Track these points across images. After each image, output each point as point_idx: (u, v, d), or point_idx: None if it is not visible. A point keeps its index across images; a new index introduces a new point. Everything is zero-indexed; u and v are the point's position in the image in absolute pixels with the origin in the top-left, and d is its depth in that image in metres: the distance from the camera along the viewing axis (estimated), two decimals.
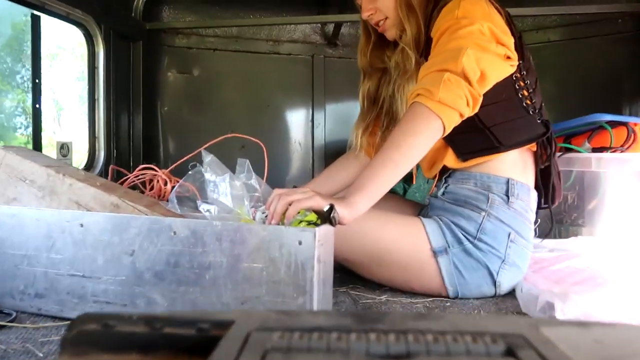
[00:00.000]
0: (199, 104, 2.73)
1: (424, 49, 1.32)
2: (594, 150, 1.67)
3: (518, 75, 1.26)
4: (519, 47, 1.25)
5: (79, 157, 2.18)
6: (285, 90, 2.86)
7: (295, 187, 1.57)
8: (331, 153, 2.89)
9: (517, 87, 1.27)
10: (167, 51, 2.64)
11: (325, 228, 0.95)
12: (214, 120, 2.74)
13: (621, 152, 1.62)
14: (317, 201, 1.00)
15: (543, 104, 1.34)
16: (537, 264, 1.38)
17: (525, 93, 1.28)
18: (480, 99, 1.12)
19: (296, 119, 2.89)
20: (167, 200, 1.12)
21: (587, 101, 2.43)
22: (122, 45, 2.31)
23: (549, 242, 1.59)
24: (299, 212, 1.00)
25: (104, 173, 2.13)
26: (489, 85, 1.15)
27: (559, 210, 1.81)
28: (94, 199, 1.04)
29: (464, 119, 1.12)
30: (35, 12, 1.77)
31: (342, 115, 2.86)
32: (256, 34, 2.78)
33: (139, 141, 2.43)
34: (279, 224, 1.01)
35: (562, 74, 2.51)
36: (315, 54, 2.84)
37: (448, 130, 1.10)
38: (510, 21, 1.27)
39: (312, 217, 1.00)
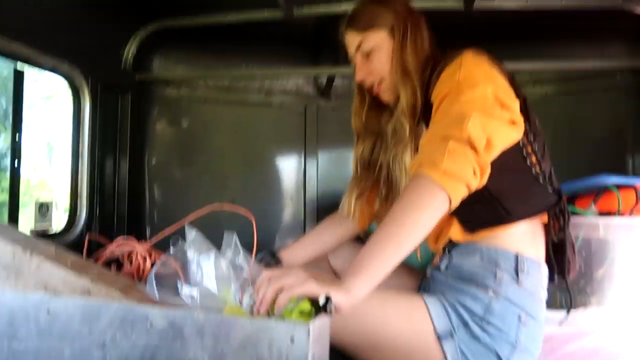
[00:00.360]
0: (188, 156, 2.66)
1: (421, 115, 1.26)
2: (601, 214, 1.60)
3: (525, 140, 1.19)
4: (524, 109, 1.18)
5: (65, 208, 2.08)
6: (277, 142, 2.80)
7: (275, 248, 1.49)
8: (323, 206, 2.81)
9: (525, 153, 1.19)
10: (156, 102, 2.58)
11: (320, 321, 0.85)
12: (204, 172, 2.66)
13: (630, 216, 1.55)
14: (311, 287, 0.90)
15: (553, 170, 1.26)
16: (547, 343, 1.28)
17: (534, 160, 1.20)
18: (488, 169, 1.04)
19: (288, 172, 2.82)
20: (146, 282, 1.01)
21: (588, 157, 2.38)
22: (110, 97, 2.24)
23: (558, 314, 1.49)
24: (290, 300, 0.90)
25: (85, 232, 2.02)
26: (495, 154, 1.07)
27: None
28: (63, 282, 0.94)
29: (471, 191, 1.04)
30: (19, 68, 1.71)
31: (335, 168, 2.79)
32: (248, 85, 2.74)
33: (124, 197, 2.32)
34: (268, 313, 0.91)
35: (560, 129, 2.47)
36: (307, 106, 2.80)
37: (455, 205, 1.02)
38: (514, 82, 1.21)
39: (306, 305, 0.90)
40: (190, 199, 2.59)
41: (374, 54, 1.32)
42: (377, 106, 1.44)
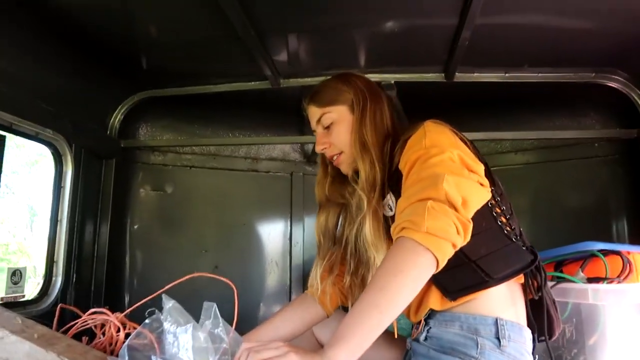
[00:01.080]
0: (171, 222, 2.62)
1: (386, 185, 1.27)
2: (589, 280, 1.57)
3: (493, 201, 1.20)
4: (488, 173, 1.21)
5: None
6: (262, 208, 2.78)
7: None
8: (309, 273, 2.75)
9: (495, 214, 1.20)
10: (141, 168, 2.57)
11: None
12: (187, 239, 2.62)
13: (618, 282, 1.53)
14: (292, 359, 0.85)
15: (522, 230, 1.26)
16: None
17: (504, 220, 1.21)
18: (470, 225, 1.03)
19: (273, 238, 2.78)
20: (118, 355, 0.95)
21: (571, 223, 2.40)
22: (93, 163, 2.23)
23: None
24: None
25: (59, 299, 1.94)
26: (471, 213, 1.06)
27: (557, 345, 1.67)
28: (27, 357, 0.88)
29: (456, 249, 1.02)
30: (1, 132, 1.69)
31: None
32: (234, 151, 2.76)
33: (102, 263, 2.26)
34: None
35: (542, 196, 2.51)
36: (294, 172, 2.81)
37: (442, 265, 0.99)
38: (475, 149, 1.24)
39: None
40: (172, 266, 2.52)
41: (334, 127, 1.36)
42: (340, 178, 1.45)
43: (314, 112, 1.39)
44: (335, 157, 1.38)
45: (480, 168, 1.15)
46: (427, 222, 0.97)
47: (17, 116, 1.72)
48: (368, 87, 1.38)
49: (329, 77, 1.45)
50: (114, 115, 2.38)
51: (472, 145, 1.24)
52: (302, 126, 2.74)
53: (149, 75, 2.24)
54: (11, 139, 1.85)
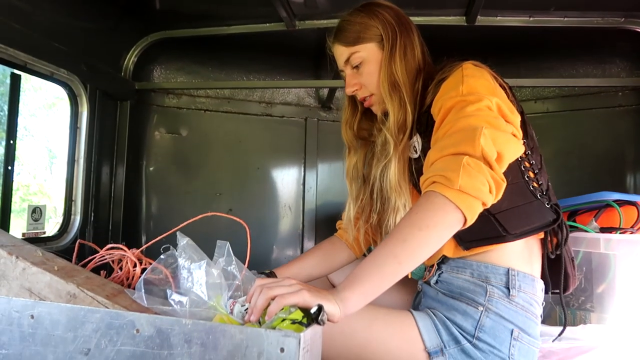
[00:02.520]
0: (186, 165, 2.64)
1: (414, 127, 1.22)
2: (602, 230, 1.57)
3: (523, 155, 1.15)
4: (523, 124, 1.15)
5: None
6: (276, 153, 2.78)
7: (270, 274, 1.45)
8: (322, 218, 2.79)
9: (523, 168, 1.16)
10: (155, 111, 2.57)
11: (312, 330, 0.82)
12: (202, 182, 2.65)
13: (631, 233, 1.53)
14: (304, 297, 0.87)
15: (550, 185, 1.23)
16: (547, 359, 1.25)
17: (532, 175, 1.17)
18: (504, 184, 0.99)
19: (287, 183, 2.80)
20: (135, 288, 0.98)
21: (589, 173, 2.37)
22: (108, 104, 2.23)
23: (555, 330, 1.46)
24: (282, 309, 0.87)
25: (78, 237, 2.00)
26: (504, 167, 1.02)
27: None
28: (48, 287, 0.91)
29: (487, 207, 0.99)
30: (16, 72, 1.69)
31: (334, 180, 2.78)
32: (249, 95, 2.74)
33: (119, 204, 2.31)
34: (259, 322, 0.88)
35: (561, 145, 2.46)
36: (308, 117, 2.79)
37: (470, 222, 0.96)
38: (514, 96, 1.19)
39: (298, 314, 0.87)
40: (187, 208, 2.57)
41: (364, 66, 1.28)
42: (369, 116, 1.41)
43: (341, 52, 1.31)
44: (367, 99, 1.31)
45: (517, 119, 1.10)
46: (461, 180, 0.93)
47: (31, 55, 1.71)
48: (397, 18, 1.29)
49: (351, 11, 1.34)
50: (128, 56, 2.36)
51: (511, 92, 1.18)
52: (318, 70, 2.70)
53: (162, 16, 2.20)
54: (28, 81, 1.85)
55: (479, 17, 2.03)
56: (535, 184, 1.17)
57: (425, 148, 1.15)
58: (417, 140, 1.21)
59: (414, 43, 1.28)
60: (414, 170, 1.22)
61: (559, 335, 1.27)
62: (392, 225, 1.26)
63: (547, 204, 1.16)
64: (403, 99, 1.22)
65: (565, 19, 2.03)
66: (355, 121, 1.42)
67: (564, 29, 2.06)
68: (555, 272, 1.19)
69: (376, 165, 1.34)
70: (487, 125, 1.00)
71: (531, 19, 2.05)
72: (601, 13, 2.01)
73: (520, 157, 1.14)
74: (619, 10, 2.00)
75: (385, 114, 1.29)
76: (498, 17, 2.06)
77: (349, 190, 1.45)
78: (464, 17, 2.07)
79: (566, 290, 1.22)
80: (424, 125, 1.19)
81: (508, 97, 1.15)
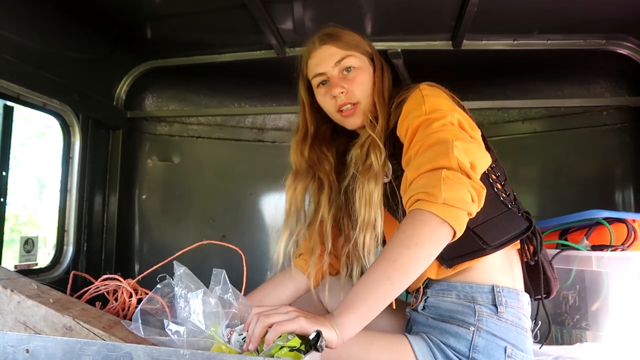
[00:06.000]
0: (179, 192, 2.64)
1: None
2: (593, 247, 1.59)
3: (490, 168, 1.18)
4: (483, 138, 1.18)
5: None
6: (269, 178, 2.78)
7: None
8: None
9: (491, 180, 1.19)
10: (148, 138, 2.58)
11: (310, 357, 0.82)
12: (195, 209, 2.65)
13: (622, 250, 1.55)
14: (301, 324, 0.87)
15: (516, 196, 1.26)
16: None
17: (500, 186, 1.20)
18: (484, 191, 1.01)
19: (280, 207, 2.78)
20: (131, 319, 0.98)
21: (577, 191, 2.40)
22: (100, 134, 2.24)
23: (553, 349, 1.46)
24: (280, 336, 0.87)
25: (71, 269, 1.98)
26: (479, 176, 1.04)
27: (560, 311, 1.70)
28: (44, 320, 0.91)
29: (472, 217, 1.01)
30: (9, 103, 1.70)
31: None
32: (240, 122, 2.76)
33: (112, 233, 2.30)
34: (257, 350, 0.88)
35: (550, 164, 2.50)
36: None
37: (459, 235, 0.98)
38: (469, 114, 1.22)
39: (295, 341, 0.87)
40: (180, 236, 2.56)
41: (357, 73, 1.30)
42: (321, 139, 1.41)
43: (332, 52, 1.31)
44: (348, 107, 1.30)
45: (478, 133, 1.14)
46: (444, 193, 0.95)
47: (24, 87, 1.73)
48: (376, 51, 1.39)
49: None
50: (120, 85, 2.38)
51: (466, 110, 1.22)
52: None
53: (154, 45, 2.22)
54: (18, 110, 1.86)
55: (464, 41, 2.08)
56: (504, 195, 1.20)
57: (396, 170, 1.19)
58: (387, 164, 1.23)
59: (389, 71, 1.37)
60: (388, 193, 1.23)
61: (543, 343, 1.29)
62: (362, 244, 1.24)
63: (519, 213, 1.19)
64: (387, 115, 1.26)
65: (549, 41, 2.09)
66: (307, 145, 1.39)
67: (548, 51, 2.12)
68: (536, 278, 1.21)
69: (344, 183, 1.35)
70: (456, 137, 1.04)
71: (515, 42, 2.10)
72: (583, 35, 2.07)
73: (487, 169, 1.16)
74: (600, 32, 2.05)
75: (359, 130, 1.32)
76: (483, 41, 2.11)
77: (296, 219, 1.41)
78: (450, 42, 2.11)
79: (550, 295, 1.25)
80: (391, 148, 1.22)
81: (466, 113, 1.19)
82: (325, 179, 1.39)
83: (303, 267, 1.45)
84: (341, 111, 1.32)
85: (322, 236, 1.40)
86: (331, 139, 1.44)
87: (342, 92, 1.30)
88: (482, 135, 1.18)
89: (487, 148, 1.18)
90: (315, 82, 1.37)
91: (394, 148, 1.21)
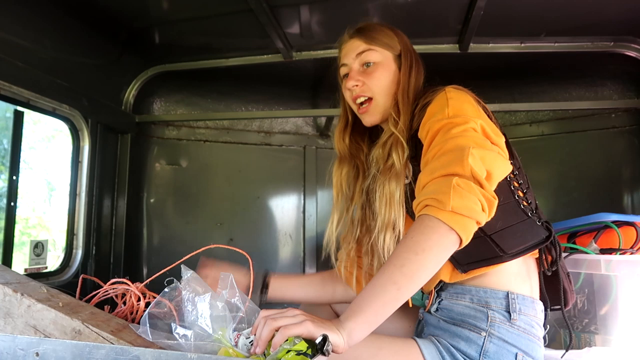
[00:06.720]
0: (187, 196, 2.66)
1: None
2: (602, 251, 1.58)
3: (512, 175, 1.18)
4: (507, 145, 1.18)
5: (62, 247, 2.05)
6: (276, 182, 2.80)
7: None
8: (323, 245, 2.78)
9: (513, 187, 1.18)
10: (156, 142, 2.60)
11: None
12: (202, 212, 2.66)
13: (631, 254, 1.53)
14: (308, 328, 0.87)
15: (538, 204, 1.25)
16: None
17: (521, 194, 1.19)
18: (496, 202, 1.01)
19: (287, 211, 2.81)
20: (139, 322, 0.99)
21: (585, 195, 2.39)
22: (109, 138, 2.26)
23: (561, 353, 1.45)
24: (287, 340, 0.88)
25: (80, 272, 1.99)
26: (494, 186, 1.04)
27: (569, 314, 1.69)
28: (53, 324, 0.92)
29: (481, 226, 1.01)
30: (19, 108, 1.72)
31: None
32: (248, 125, 2.77)
33: (121, 237, 2.31)
34: (264, 353, 0.89)
35: (558, 167, 2.49)
36: (307, 145, 2.82)
37: (465, 243, 0.98)
38: (495, 119, 1.22)
39: (302, 345, 0.87)
40: (188, 239, 2.57)
41: (376, 68, 1.32)
42: (358, 130, 1.43)
43: (356, 45, 1.34)
44: (362, 99, 1.33)
45: (502, 140, 1.12)
46: (452, 201, 0.95)
47: (34, 92, 1.74)
48: (413, 49, 1.37)
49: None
50: (128, 90, 2.40)
51: (492, 115, 1.21)
52: (315, 99, 2.74)
53: (162, 50, 2.24)
54: (28, 114, 1.88)
55: (471, 44, 2.08)
56: (525, 203, 1.19)
57: (416, 172, 1.18)
58: (408, 166, 1.23)
59: (420, 70, 1.35)
60: (408, 194, 1.23)
61: (566, 351, 1.27)
62: (382, 244, 1.24)
63: (539, 222, 1.18)
64: (409, 115, 1.25)
65: (556, 44, 2.08)
66: (347, 133, 1.43)
67: (555, 54, 2.11)
68: (552, 288, 1.20)
69: (366, 181, 1.35)
70: (475, 145, 1.03)
71: (523, 45, 2.10)
72: (591, 38, 2.06)
73: (509, 177, 1.16)
74: (608, 35, 2.05)
75: (373, 129, 1.33)
76: (490, 44, 2.11)
77: (337, 207, 1.42)
78: (457, 45, 2.12)
79: (566, 306, 1.23)
80: (413, 149, 1.22)
81: (490, 119, 1.18)
82: (361, 168, 1.42)
83: (342, 272, 1.46)
84: (359, 106, 1.35)
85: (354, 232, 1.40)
86: (363, 133, 1.45)
87: (355, 85, 1.32)
88: (507, 142, 1.17)
89: (511, 155, 1.18)
90: (341, 72, 1.41)
91: (416, 150, 1.20)
